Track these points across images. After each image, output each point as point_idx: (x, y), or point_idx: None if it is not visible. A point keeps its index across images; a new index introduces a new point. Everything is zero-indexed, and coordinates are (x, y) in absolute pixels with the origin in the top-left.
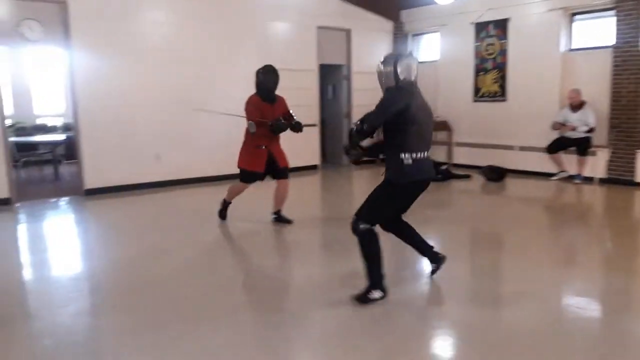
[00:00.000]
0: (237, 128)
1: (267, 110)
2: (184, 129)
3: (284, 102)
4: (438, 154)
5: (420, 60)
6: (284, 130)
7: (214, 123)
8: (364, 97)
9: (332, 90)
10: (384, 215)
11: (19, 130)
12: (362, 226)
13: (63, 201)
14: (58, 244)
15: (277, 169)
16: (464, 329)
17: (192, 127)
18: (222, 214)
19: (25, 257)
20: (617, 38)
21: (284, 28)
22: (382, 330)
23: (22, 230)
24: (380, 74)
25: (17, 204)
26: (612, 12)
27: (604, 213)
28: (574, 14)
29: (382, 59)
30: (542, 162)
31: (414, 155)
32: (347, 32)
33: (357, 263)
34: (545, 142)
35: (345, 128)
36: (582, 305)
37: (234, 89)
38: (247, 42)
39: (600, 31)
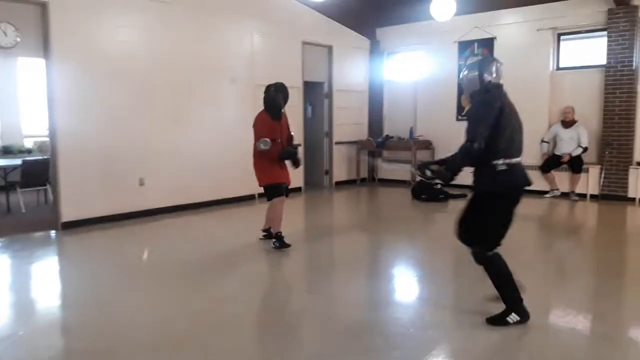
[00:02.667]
0: (228, 150)
1: (276, 128)
2: (172, 151)
3: (287, 118)
4: None
5: (397, 80)
6: (293, 159)
7: (204, 143)
8: (345, 115)
9: (311, 108)
10: (498, 233)
11: None
12: (487, 254)
13: (32, 237)
14: (33, 294)
15: None
16: None
17: (181, 149)
18: (283, 244)
19: None
20: (609, 57)
21: (270, 42)
22: None
23: None
24: (464, 80)
25: None
26: (603, 33)
27: (602, 228)
28: (562, 34)
29: (467, 65)
30: (534, 180)
31: (507, 160)
32: (329, 49)
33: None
34: (535, 160)
35: (326, 148)
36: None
37: (220, 103)
38: (233, 56)
39: (589, 50)
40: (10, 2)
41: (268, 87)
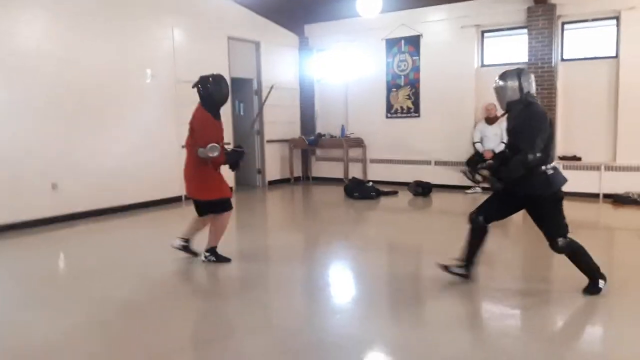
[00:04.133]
0: (150, 149)
1: (220, 129)
2: (89, 153)
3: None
4: (353, 171)
5: (328, 77)
6: (238, 163)
7: (124, 144)
8: (275, 113)
9: (241, 106)
10: (564, 222)
11: None
12: (562, 241)
13: None
14: None
15: None
16: None
17: (99, 150)
18: (221, 258)
19: None
20: (530, 54)
21: (192, 36)
22: None
23: None
24: (501, 89)
25: None
26: (524, 30)
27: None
28: (485, 31)
29: (501, 74)
30: (459, 177)
31: (552, 164)
32: (257, 45)
33: None
34: (460, 157)
35: (257, 145)
36: None
37: (140, 102)
38: (151, 52)
39: (512, 48)
40: None
41: (205, 80)
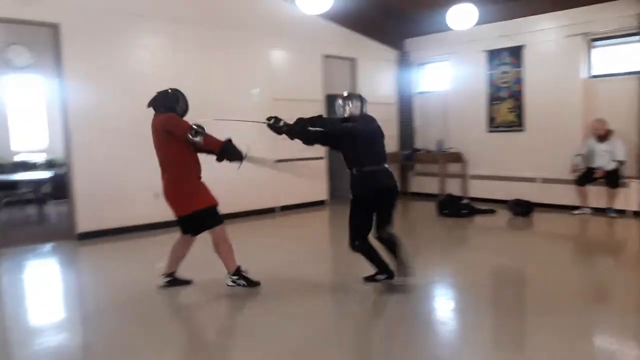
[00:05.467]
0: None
1: None
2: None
3: None
4: (452, 187)
5: (426, 90)
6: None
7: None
8: None
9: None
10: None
11: None
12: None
13: (52, 247)
14: (51, 301)
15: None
16: None
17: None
18: (252, 282)
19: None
20: None
21: (288, 56)
22: None
23: (9, 284)
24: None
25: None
26: (636, 37)
27: None
28: (594, 40)
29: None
30: (568, 195)
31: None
32: (353, 61)
33: None
34: (567, 175)
35: None
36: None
37: (235, 117)
38: (250, 70)
39: (624, 57)
40: (23, 25)
41: (175, 94)
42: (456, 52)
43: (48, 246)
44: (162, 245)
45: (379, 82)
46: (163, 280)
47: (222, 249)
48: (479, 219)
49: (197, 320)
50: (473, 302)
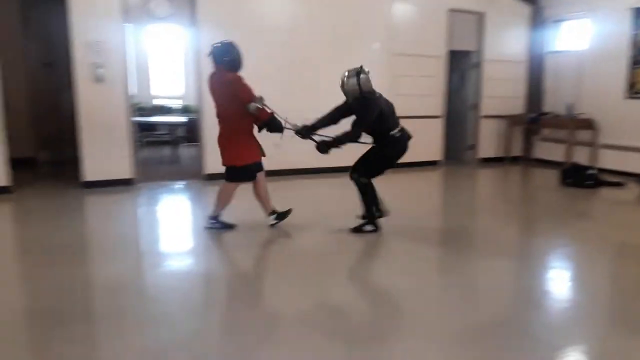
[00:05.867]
0: None
1: None
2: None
3: None
4: (580, 156)
5: (560, 49)
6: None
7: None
8: (496, 87)
9: (458, 79)
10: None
11: (139, 110)
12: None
13: (184, 184)
14: (180, 231)
15: None
16: None
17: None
18: (227, 225)
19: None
20: None
21: (412, 10)
22: None
23: (147, 213)
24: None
25: (139, 185)
26: None
27: None
28: None
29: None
30: None
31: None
32: (480, 16)
33: None
34: None
35: (471, 121)
36: None
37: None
38: (372, 25)
39: None
40: None
41: (230, 46)
42: (597, 9)
43: (180, 184)
44: (273, 188)
45: (508, 39)
46: (271, 220)
47: (222, 197)
48: (604, 191)
49: (324, 257)
50: (590, 277)
